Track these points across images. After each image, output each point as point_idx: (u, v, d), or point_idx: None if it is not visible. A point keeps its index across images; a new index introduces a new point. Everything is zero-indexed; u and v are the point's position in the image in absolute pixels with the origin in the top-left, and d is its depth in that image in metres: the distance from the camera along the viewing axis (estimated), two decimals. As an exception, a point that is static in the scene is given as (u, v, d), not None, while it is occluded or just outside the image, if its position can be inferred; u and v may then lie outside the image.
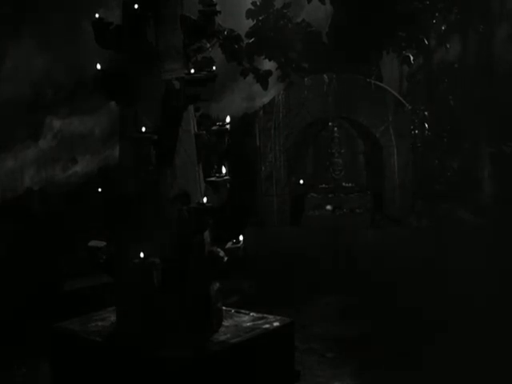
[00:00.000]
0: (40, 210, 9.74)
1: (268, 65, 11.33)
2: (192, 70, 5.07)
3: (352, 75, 10.77)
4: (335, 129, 10.85)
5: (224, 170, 5.30)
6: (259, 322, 5.52)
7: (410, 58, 11.71)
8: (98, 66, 5.07)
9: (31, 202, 9.82)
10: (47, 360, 5.67)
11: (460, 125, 12.63)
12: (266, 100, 11.26)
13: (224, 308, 5.57)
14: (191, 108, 5.29)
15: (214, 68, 5.21)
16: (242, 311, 5.74)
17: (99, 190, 5.17)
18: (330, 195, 10.66)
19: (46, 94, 10.05)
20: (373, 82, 10.77)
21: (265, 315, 5.63)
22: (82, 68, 9.34)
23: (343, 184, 10.87)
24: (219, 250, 5.23)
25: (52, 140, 10.30)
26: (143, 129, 4.88)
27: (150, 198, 5.06)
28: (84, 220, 8.92)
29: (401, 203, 10.75)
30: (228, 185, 5.37)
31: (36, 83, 9.85)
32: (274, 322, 5.52)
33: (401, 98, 10.96)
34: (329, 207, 10.50)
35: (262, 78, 10.81)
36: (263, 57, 11.12)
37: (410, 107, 11.00)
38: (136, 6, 4.92)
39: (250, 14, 11.15)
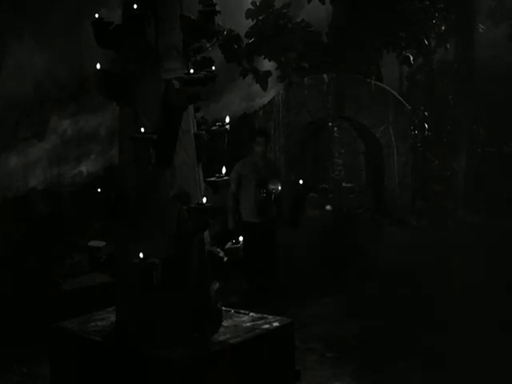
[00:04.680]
0: (44, 209, 9.74)
1: (268, 65, 11.33)
2: (191, 70, 5.07)
3: (352, 75, 10.78)
4: (335, 129, 10.86)
5: (224, 171, 5.29)
6: (259, 322, 5.51)
7: (409, 57, 11.72)
8: (98, 66, 5.07)
9: (35, 201, 9.81)
10: (47, 360, 5.67)
11: (460, 125, 12.64)
12: (265, 100, 11.28)
13: (223, 308, 5.57)
14: (191, 108, 5.29)
15: (213, 68, 5.20)
16: (242, 311, 5.74)
17: (98, 190, 5.16)
18: (329, 195, 10.66)
19: (50, 93, 10.04)
20: (373, 82, 10.78)
21: (264, 315, 5.62)
22: (86, 67, 9.35)
23: (343, 184, 10.88)
24: (219, 250, 5.23)
25: (56, 139, 10.29)
26: (142, 129, 4.88)
27: (149, 197, 5.06)
28: (87, 220, 8.94)
29: (401, 203, 10.77)
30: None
31: (39, 82, 9.85)
32: (274, 322, 5.51)
33: (401, 98, 10.97)
34: (329, 207, 10.50)
35: (262, 79, 10.82)
36: (263, 57, 11.13)
37: (409, 107, 11.01)
38: (135, 6, 4.92)
39: (249, 13, 11.16)
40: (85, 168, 10.57)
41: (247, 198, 8.30)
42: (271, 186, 8.20)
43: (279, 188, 8.25)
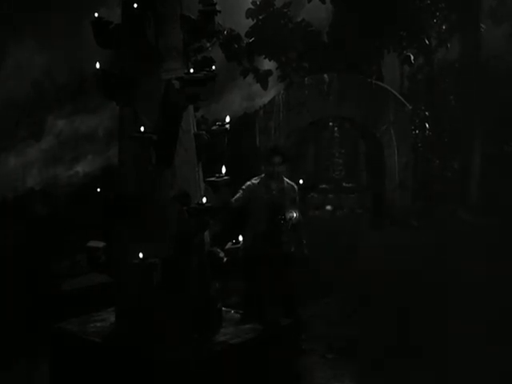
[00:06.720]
0: (41, 209, 9.72)
1: (268, 64, 11.33)
2: (192, 70, 5.05)
3: (352, 75, 10.76)
4: (336, 129, 10.85)
5: (224, 170, 5.27)
6: (259, 322, 5.51)
7: (410, 57, 11.71)
8: (98, 66, 5.05)
9: (33, 201, 9.80)
10: (47, 360, 5.66)
11: (461, 125, 12.62)
12: (265, 100, 11.26)
13: (224, 308, 5.55)
14: (191, 108, 5.28)
15: (213, 68, 5.19)
16: (242, 312, 5.73)
17: (98, 190, 5.15)
18: (330, 195, 10.65)
19: (50, 93, 10.04)
20: (373, 81, 10.76)
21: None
22: (85, 67, 9.34)
23: (343, 184, 10.86)
24: (219, 250, 5.21)
25: (54, 140, 10.28)
26: (142, 129, 4.87)
27: (149, 197, 5.05)
28: (85, 220, 8.91)
29: (401, 203, 10.74)
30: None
31: (39, 82, 9.85)
32: (274, 322, 5.52)
33: (401, 98, 10.95)
34: (329, 207, 10.48)
35: (262, 78, 10.82)
36: (263, 56, 11.12)
37: (410, 107, 10.99)
38: (135, 6, 4.90)
39: (250, 13, 11.16)
40: (81, 168, 10.57)
41: (256, 227, 6.74)
42: (289, 214, 6.77)
43: (296, 216, 6.81)
